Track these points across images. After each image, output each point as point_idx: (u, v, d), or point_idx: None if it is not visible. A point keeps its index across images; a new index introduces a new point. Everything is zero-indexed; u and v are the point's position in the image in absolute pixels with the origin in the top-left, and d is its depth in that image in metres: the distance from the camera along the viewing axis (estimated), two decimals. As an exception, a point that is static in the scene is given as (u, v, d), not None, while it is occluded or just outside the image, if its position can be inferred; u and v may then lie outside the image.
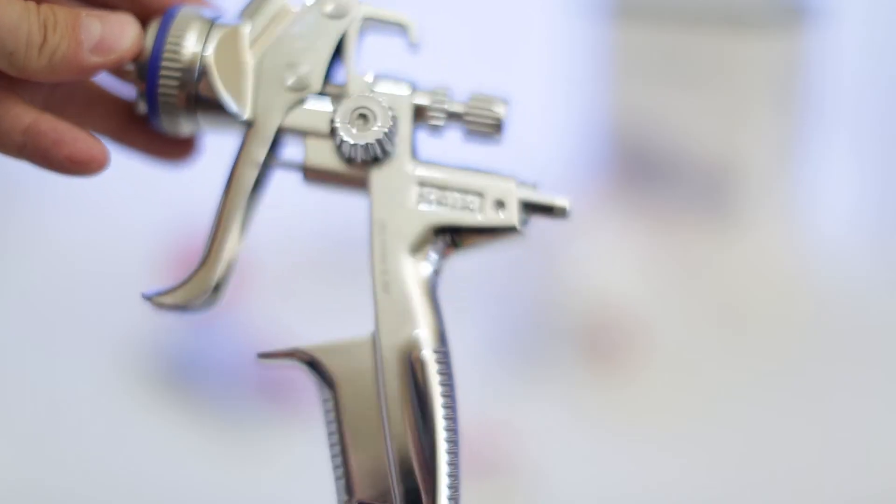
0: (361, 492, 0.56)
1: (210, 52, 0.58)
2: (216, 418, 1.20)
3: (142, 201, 1.46)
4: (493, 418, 1.17)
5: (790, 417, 1.24)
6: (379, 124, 0.56)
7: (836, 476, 1.17)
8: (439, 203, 0.56)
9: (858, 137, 1.53)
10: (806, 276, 1.42)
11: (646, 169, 1.43)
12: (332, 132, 0.57)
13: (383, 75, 0.59)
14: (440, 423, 0.54)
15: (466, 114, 0.58)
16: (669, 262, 1.39)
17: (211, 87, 0.58)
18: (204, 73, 0.58)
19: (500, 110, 0.60)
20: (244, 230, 0.60)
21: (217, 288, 0.60)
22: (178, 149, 0.64)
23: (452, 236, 0.57)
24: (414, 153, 0.58)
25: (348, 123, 0.56)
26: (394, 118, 0.57)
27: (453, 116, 0.58)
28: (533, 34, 1.52)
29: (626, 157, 1.44)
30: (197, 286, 0.60)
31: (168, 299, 0.59)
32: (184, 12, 0.59)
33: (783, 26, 1.38)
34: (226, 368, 1.23)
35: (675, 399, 1.26)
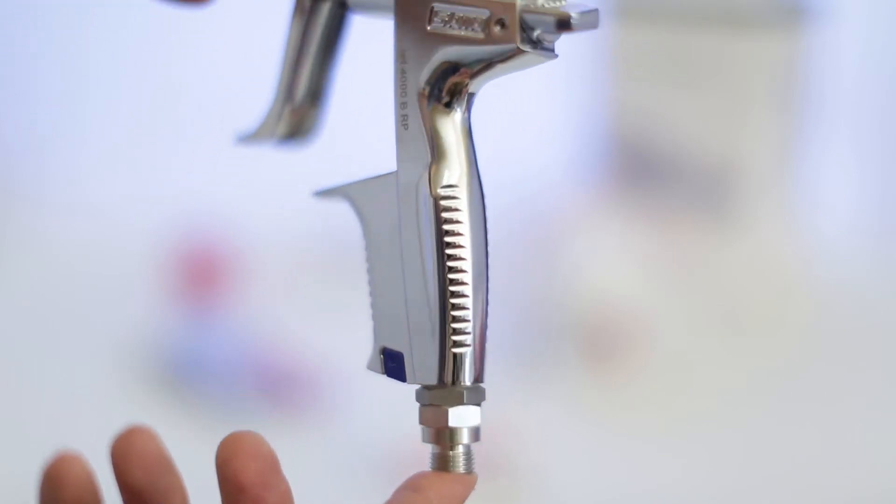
0: (383, 337, 0.54)
1: None
2: (216, 418, 1.20)
3: (142, 201, 1.46)
4: (493, 418, 1.17)
5: (790, 417, 1.24)
6: None
7: (837, 476, 1.16)
8: (447, 23, 0.52)
9: (858, 137, 1.53)
10: (806, 276, 1.42)
11: (646, 169, 1.43)
12: None
13: None
14: (441, 269, 0.52)
15: None
16: (669, 262, 1.39)
17: None
18: None
19: None
20: (323, 71, 0.58)
21: (301, 115, 0.58)
22: None
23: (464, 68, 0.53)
24: None
25: None
26: None
27: None
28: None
29: (625, 157, 1.44)
30: (268, 120, 0.57)
31: (257, 137, 0.59)
32: None
33: (783, 26, 1.38)
34: (226, 368, 1.23)
35: (675, 399, 1.26)
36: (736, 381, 1.29)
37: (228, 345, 1.26)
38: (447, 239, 0.52)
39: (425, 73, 0.53)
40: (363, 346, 0.57)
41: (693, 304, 1.36)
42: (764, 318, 1.37)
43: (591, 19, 0.52)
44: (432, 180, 0.52)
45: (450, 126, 0.53)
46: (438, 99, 0.53)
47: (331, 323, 1.21)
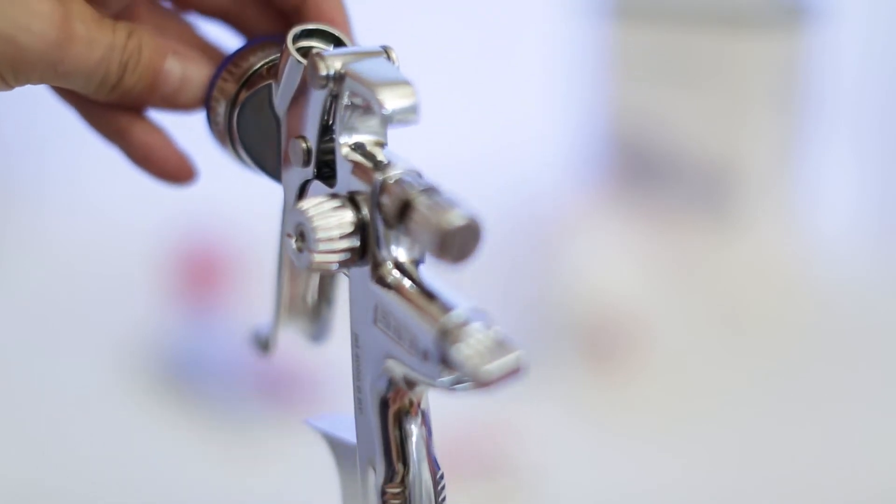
0: None
1: (235, 117, 0.56)
2: (215, 418, 1.20)
3: (142, 201, 1.46)
4: (493, 418, 1.17)
5: (790, 418, 1.24)
6: (309, 252, 0.49)
7: (837, 476, 1.17)
8: (387, 328, 0.49)
9: (858, 137, 1.53)
10: (806, 276, 1.42)
11: (646, 169, 1.43)
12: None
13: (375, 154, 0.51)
14: None
15: (411, 224, 0.48)
16: (669, 262, 1.39)
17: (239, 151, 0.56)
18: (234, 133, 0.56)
19: (450, 221, 0.47)
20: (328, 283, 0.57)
21: (317, 321, 0.59)
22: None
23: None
24: (386, 249, 0.49)
25: (291, 236, 0.50)
26: (328, 243, 0.49)
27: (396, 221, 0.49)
28: (533, 34, 1.52)
29: (625, 157, 1.44)
30: (273, 332, 0.59)
31: (268, 350, 0.59)
32: (236, 59, 0.56)
33: (783, 26, 1.38)
34: (225, 368, 1.23)
35: (676, 399, 1.26)
36: (736, 381, 1.29)
37: (228, 345, 1.26)
38: None
39: (374, 368, 0.50)
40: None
41: (693, 304, 1.37)
42: (764, 318, 1.37)
43: (514, 371, 0.47)
44: (378, 476, 0.51)
45: (399, 430, 0.51)
46: (386, 403, 0.51)
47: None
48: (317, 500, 1.14)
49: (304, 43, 0.53)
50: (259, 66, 0.55)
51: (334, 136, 0.51)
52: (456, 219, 0.47)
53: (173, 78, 0.55)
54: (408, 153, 0.56)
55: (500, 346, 0.47)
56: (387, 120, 0.49)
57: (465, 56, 1.46)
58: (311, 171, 0.52)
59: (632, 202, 1.42)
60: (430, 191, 0.48)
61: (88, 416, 1.22)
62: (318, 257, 0.49)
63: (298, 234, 0.50)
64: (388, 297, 0.49)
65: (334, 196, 0.50)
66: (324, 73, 0.50)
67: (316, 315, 0.59)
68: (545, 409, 1.23)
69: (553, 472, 1.15)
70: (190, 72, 0.56)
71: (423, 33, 1.45)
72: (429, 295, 0.48)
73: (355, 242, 0.49)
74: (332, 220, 0.49)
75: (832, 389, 1.27)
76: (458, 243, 0.47)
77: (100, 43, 0.52)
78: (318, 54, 0.50)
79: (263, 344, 0.60)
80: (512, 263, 1.36)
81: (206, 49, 0.59)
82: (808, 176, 1.44)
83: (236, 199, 1.41)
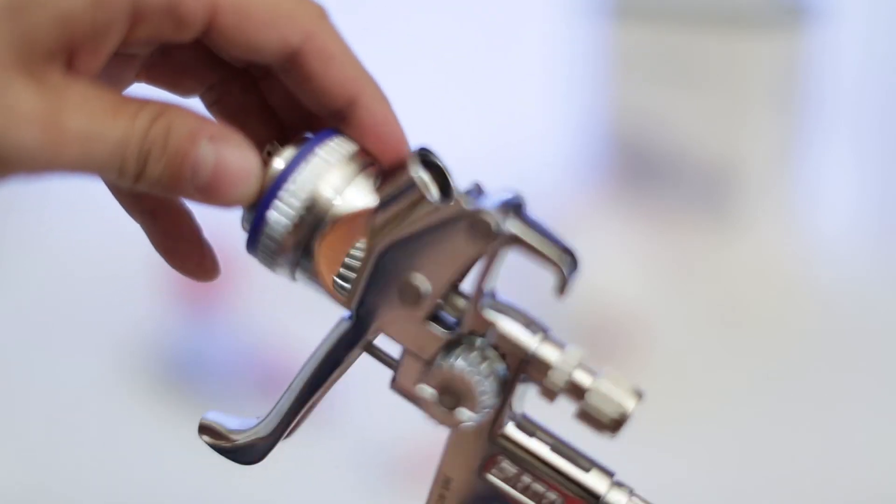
0: None
1: (319, 243, 0.49)
2: (216, 418, 1.20)
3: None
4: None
5: (790, 418, 1.24)
6: (467, 414, 0.47)
7: (836, 476, 1.17)
8: (508, 481, 0.49)
9: (858, 137, 1.53)
10: (806, 276, 1.42)
11: (646, 169, 1.43)
12: (419, 399, 0.48)
13: (509, 308, 0.51)
14: None
15: (584, 402, 0.50)
16: (669, 262, 1.39)
17: (314, 275, 0.50)
18: (310, 253, 0.50)
19: (627, 405, 0.50)
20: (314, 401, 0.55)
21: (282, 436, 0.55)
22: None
23: None
24: (511, 408, 0.49)
25: (435, 396, 0.48)
26: (487, 401, 0.48)
27: (569, 394, 0.50)
28: (533, 34, 1.52)
29: (626, 157, 1.44)
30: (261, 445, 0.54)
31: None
32: (312, 166, 0.48)
33: (783, 26, 1.38)
34: (225, 368, 1.23)
35: (676, 399, 1.26)
36: (736, 381, 1.29)
37: (228, 344, 1.26)
38: None
39: None
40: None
41: (693, 304, 1.37)
42: (764, 318, 1.37)
43: None
44: None
45: None
46: None
47: (331, 322, 1.22)
48: (317, 499, 1.14)
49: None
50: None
51: (476, 295, 0.50)
52: (631, 403, 0.51)
53: (204, 168, 0.46)
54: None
55: None
56: (563, 291, 0.49)
57: (465, 55, 1.46)
58: (419, 314, 0.49)
59: (632, 202, 1.42)
60: (594, 371, 0.50)
61: (89, 416, 1.22)
62: (475, 418, 0.48)
63: (447, 392, 0.48)
64: (524, 456, 0.49)
65: (482, 354, 0.49)
66: (496, 232, 0.49)
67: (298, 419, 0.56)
68: (545, 409, 1.23)
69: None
70: (228, 161, 0.46)
71: (423, 33, 1.45)
72: (573, 460, 0.51)
73: (499, 401, 0.49)
74: (491, 382, 0.48)
75: (832, 389, 1.27)
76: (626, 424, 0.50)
77: (106, 138, 0.44)
78: (486, 212, 0.48)
79: (250, 453, 0.54)
80: (511, 263, 1.36)
81: (265, 119, 0.51)
82: (808, 176, 1.44)
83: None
